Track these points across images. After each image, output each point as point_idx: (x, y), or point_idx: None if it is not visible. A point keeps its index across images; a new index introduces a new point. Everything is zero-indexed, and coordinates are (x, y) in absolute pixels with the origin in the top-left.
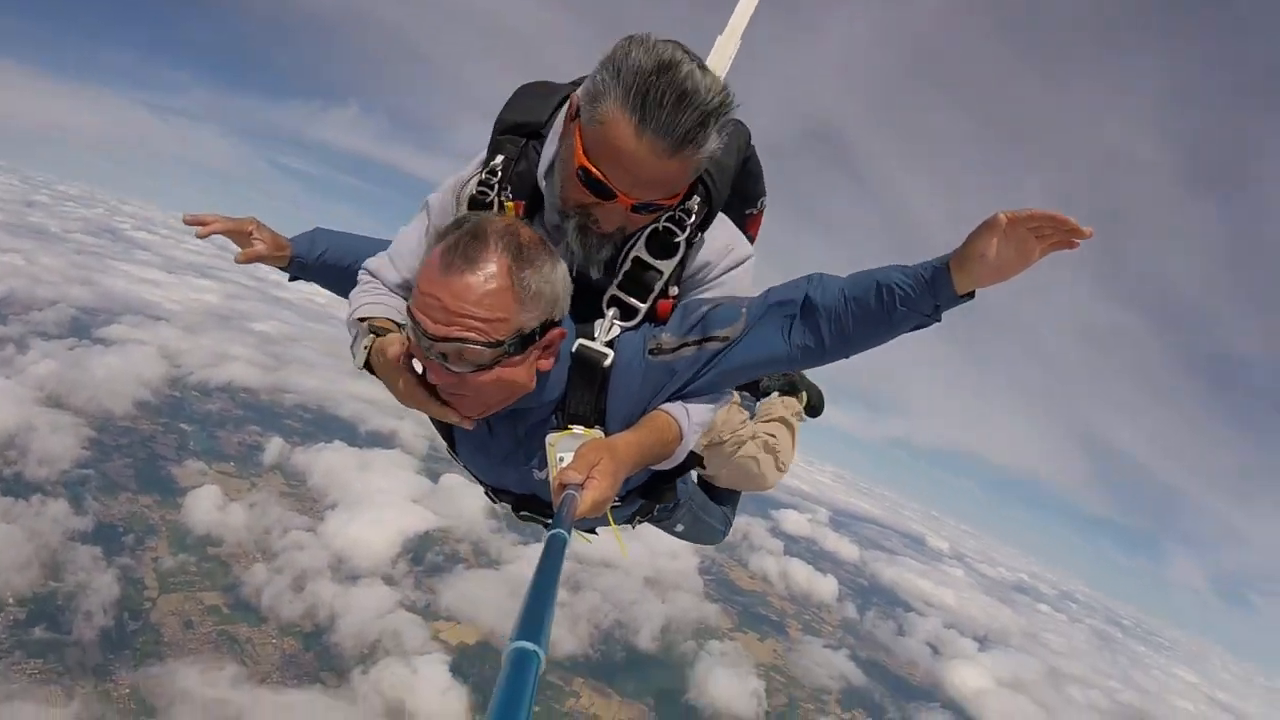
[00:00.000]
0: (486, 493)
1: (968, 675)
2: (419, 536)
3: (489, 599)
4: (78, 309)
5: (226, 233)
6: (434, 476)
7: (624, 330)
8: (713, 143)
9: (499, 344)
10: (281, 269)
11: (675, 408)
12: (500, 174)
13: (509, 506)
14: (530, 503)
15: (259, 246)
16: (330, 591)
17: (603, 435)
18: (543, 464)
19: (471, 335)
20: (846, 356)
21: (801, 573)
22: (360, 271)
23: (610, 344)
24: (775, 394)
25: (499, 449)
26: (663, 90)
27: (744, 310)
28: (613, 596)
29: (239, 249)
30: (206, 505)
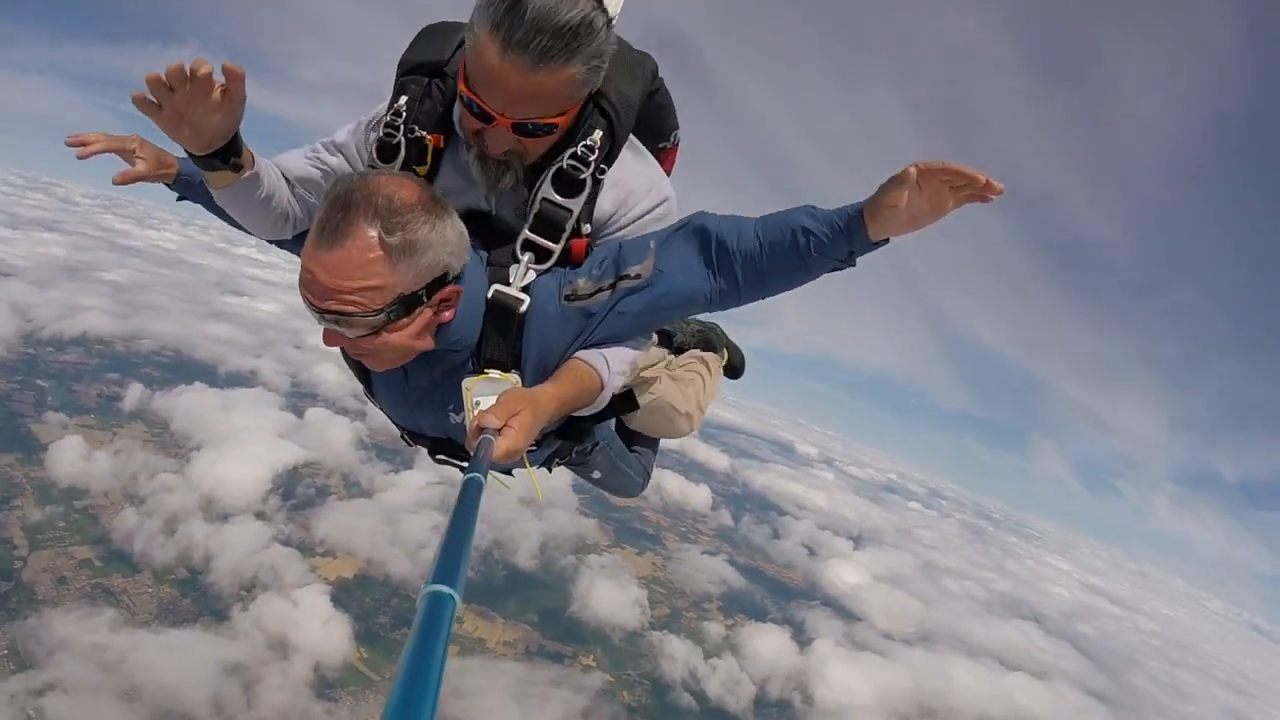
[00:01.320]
0: (402, 435)
1: (845, 573)
2: (288, 471)
3: (363, 528)
4: None
5: (109, 150)
6: (299, 412)
7: (539, 274)
8: (580, 60)
9: (377, 312)
10: (168, 186)
11: (594, 356)
12: (405, 114)
13: (426, 449)
14: (446, 446)
15: (139, 166)
16: (203, 532)
17: (519, 380)
18: (459, 408)
19: (348, 308)
20: (762, 298)
21: (674, 483)
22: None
23: (526, 289)
24: (693, 350)
25: (415, 392)
26: (524, 8)
27: (651, 247)
28: (489, 517)
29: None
30: (70, 456)
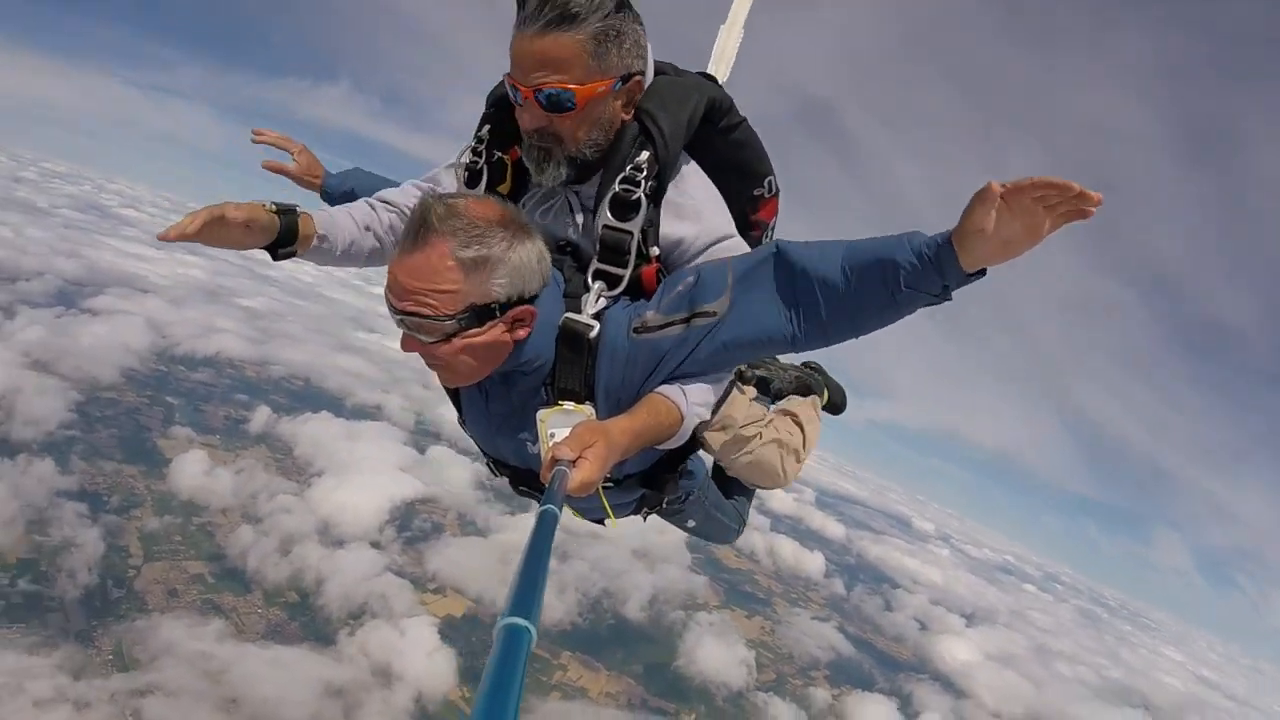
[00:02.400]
0: (488, 464)
1: (956, 649)
2: (406, 504)
3: (476, 566)
4: (65, 280)
5: (276, 144)
6: (421, 448)
7: (610, 302)
8: (587, 28)
9: (449, 317)
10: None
11: (672, 390)
12: (486, 140)
13: (508, 479)
14: (527, 477)
15: (289, 165)
16: (317, 555)
17: (593, 412)
18: (536, 439)
19: (423, 310)
20: (852, 337)
21: (788, 548)
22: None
23: (598, 316)
24: (791, 396)
25: (495, 417)
26: None
27: (729, 280)
28: (601, 566)
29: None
30: (193, 470)
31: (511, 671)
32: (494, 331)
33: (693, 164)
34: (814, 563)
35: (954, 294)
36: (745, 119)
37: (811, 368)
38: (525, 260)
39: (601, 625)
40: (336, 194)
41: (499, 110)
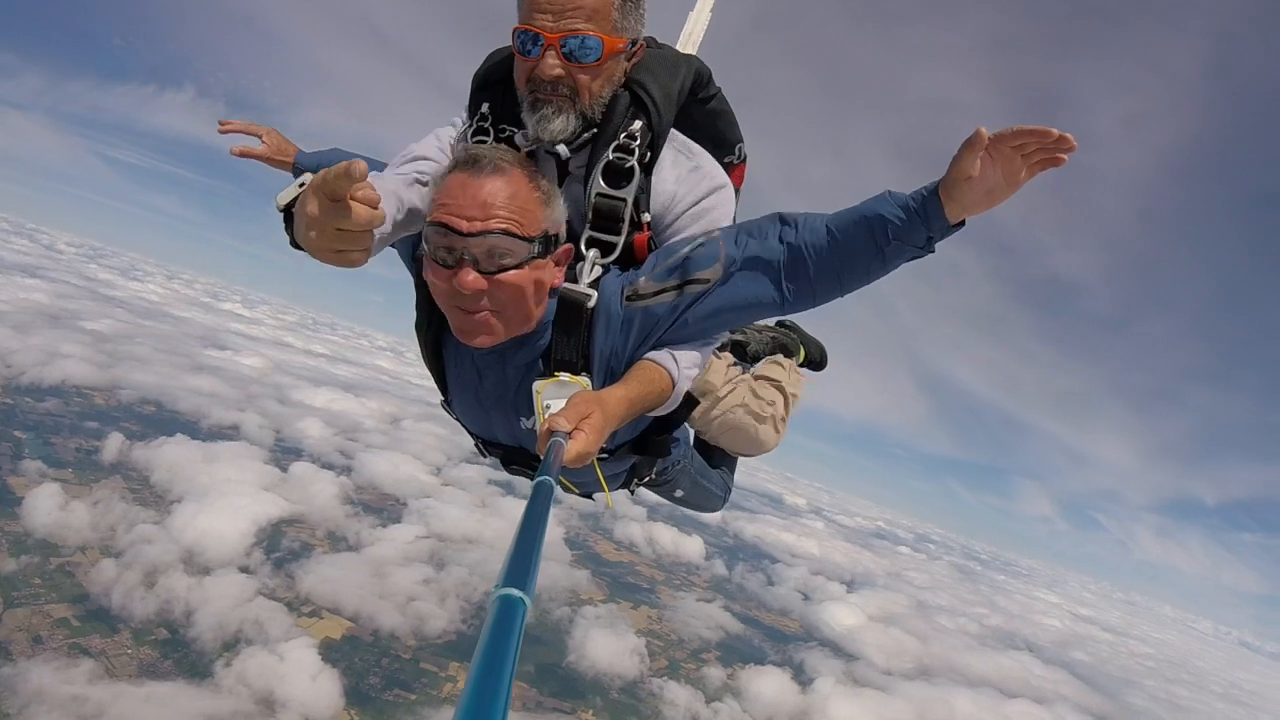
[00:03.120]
0: (476, 445)
1: (840, 615)
2: (272, 524)
3: (351, 581)
4: None
5: (246, 131)
6: (283, 466)
7: (605, 270)
8: None
9: (531, 240)
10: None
11: (663, 355)
12: (491, 117)
13: (500, 459)
14: (518, 455)
15: (257, 147)
16: (184, 585)
17: (589, 383)
18: (529, 412)
19: (509, 228)
20: (840, 295)
21: (666, 535)
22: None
23: (594, 285)
24: (768, 357)
25: (488, 394)
26: None
27: (721, 248)
28: (480, 570)
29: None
30: (47, 506)
31: (506, 642)
32: (550, 267)
33: (676, 136)
34: (693, 546)
35: (936, 246)
36: (720, 89)
37: (787, 326)
38: (562, 209)
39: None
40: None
41: (494, 93)
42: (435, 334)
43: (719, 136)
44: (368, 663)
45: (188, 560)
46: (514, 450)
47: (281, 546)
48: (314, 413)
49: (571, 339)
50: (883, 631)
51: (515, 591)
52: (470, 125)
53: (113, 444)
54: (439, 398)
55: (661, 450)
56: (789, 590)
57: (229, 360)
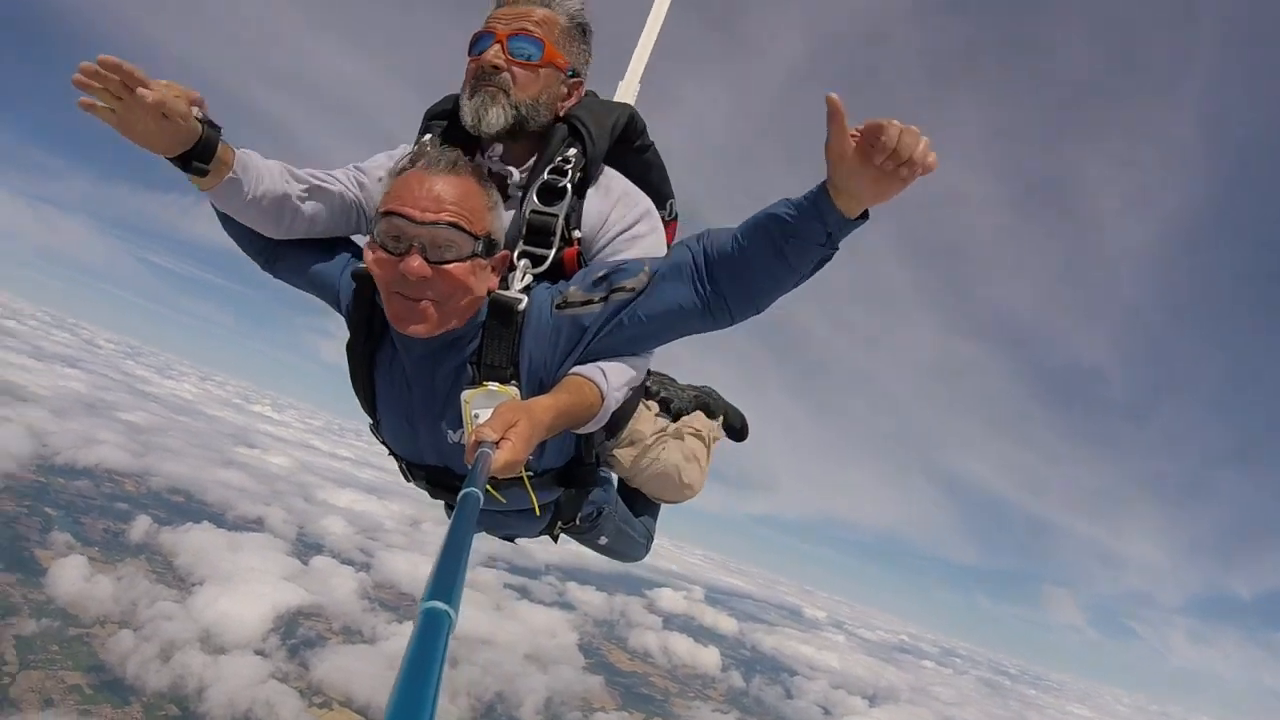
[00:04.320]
0: (402, 469)
1: None
2: (291, 612)
3: (364, 672)
4: None
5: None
6: (304, 559)
7: (536, 280)
8: (563, 10)
9: (478, 238)
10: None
11: (591, 369)
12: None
13: (425, 484)
14: (444, 476)
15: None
16: (199, 662)
17: (518, 393)
18: (457, 425)
19: (458, 221)
20: (756, 305)
21: (683, 645)
22: None
23: (525, 291)
24: (697, 413)
25: (417, 404)
26: None
27: (646, 262)
28: (493, 670)
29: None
30: (72, 576)
31: (430, 655)
32: (490, 269)
33: (611, 169)
34: (710, 658)
35: (840, 244)
36: (654, 143)
37: (707, 391)
38: (504, 215)
39: None
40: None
41: (438, 126)
42: (369, 351)
43: (653, 189)
44: None
45: (205, 639)
46: (440, 471)
47: (298, 634)
48: (337, 511)
49: (501, 343)
50: None
51: (440, 605)
52: (413, 150)
53: (140, 526)
54: (368, 421)
55: (589, 479)
56: (809, 704)
57: (257, 458)
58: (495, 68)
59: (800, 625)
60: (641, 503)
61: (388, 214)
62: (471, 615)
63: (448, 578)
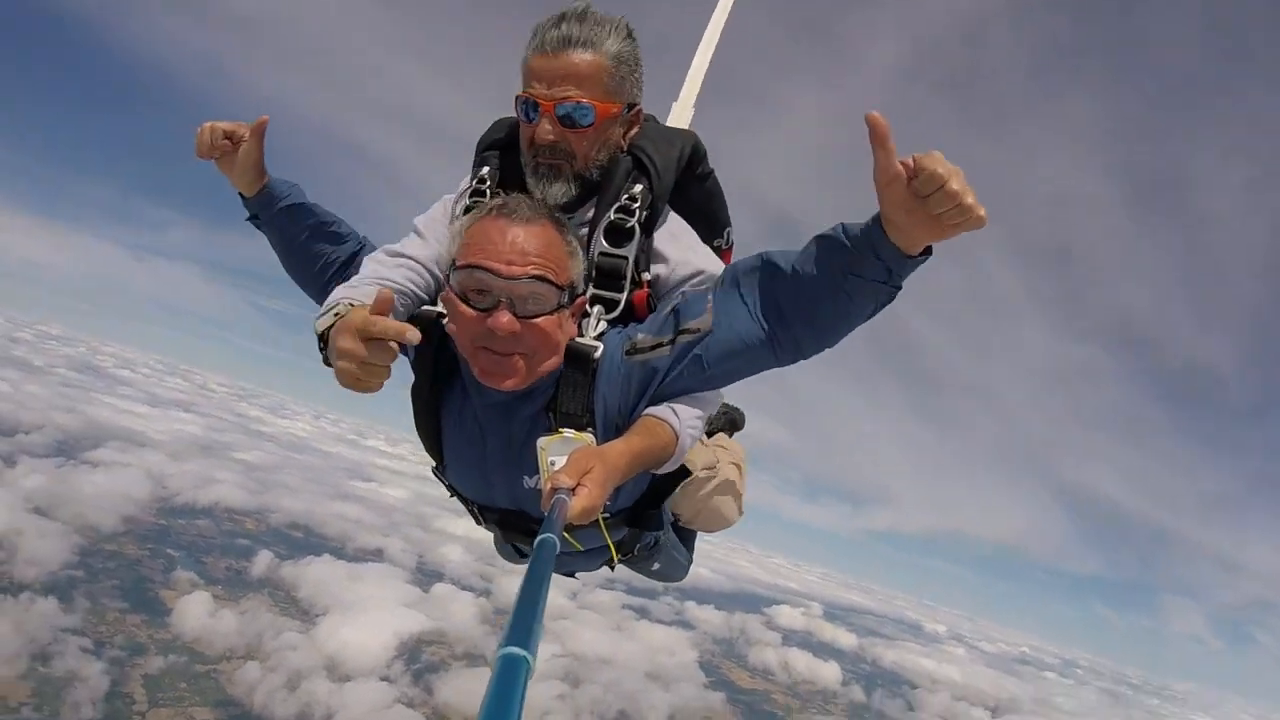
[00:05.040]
0: (473, 513)
1: None
2: (413, 638)
3: None
4: (64, 433)
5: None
6: (424, 586)
7: (609, 325)
8: (608, 49)
9: (563, 289)
10: (245, 197)
11: (664, 410)
12: (489, 183)
13: (496, 526)
14: (517, 519)
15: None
16: (325, 690)
17: (593, 439)
18: (532, 471)
19: (547, 274)
20: (823, 343)
21: (802, 661)
22: (364, 262)
23: (599, 339)
24: (720, 434)
25: (491, 453)
26: (555, 18)
27: (710, 298)
28: (615, 689)
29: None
30: (196, 611)
31: (509, 701)
32: (570, 319)
33: (672, 213)
34: (830, 673)
35: (903, 283)
36: (714, 170)
37: (733, 408)
38: (583, 260)
39: None
40: (280, 199)
41: (499, 153)
42: (436, 397)
43: (712, 216)
44: None
45: (330, 668)
46: (512, 514)
47: (421, 660)
48: (455, 540)
49: (576, 391)
50: None
51: (519, 650)
52: (469, 186)
53: (261, 562)
54: (430, 464)
55: (653, 524)
56: (931, 717)
57: (374, 491)
58: (552, 144)
59: (920, 639)
60: (682, 530)
61: (470, 267)
62: (591, 636)
63: (525, 623)
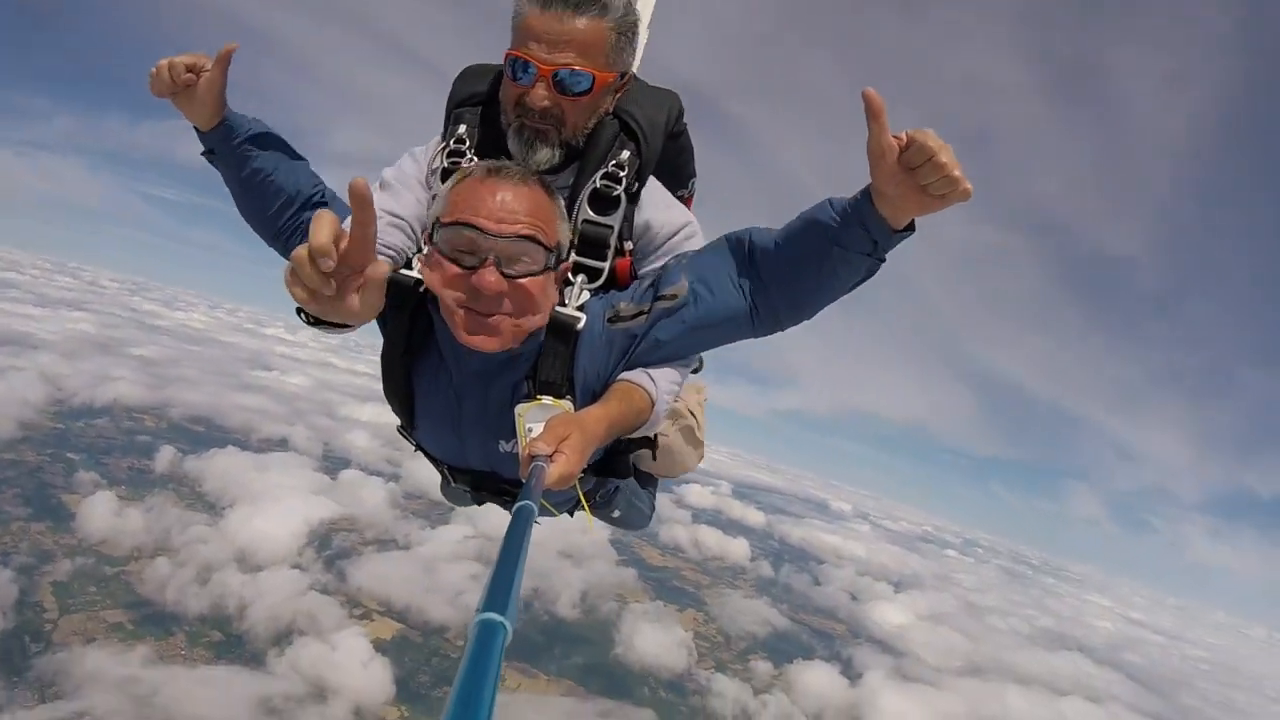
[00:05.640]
0: (442, 472)
1: (889, 614)
2: (324, 525)
3: (400, 577)
4: None
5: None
6: (332, 473)
7: (592, 294)
8: (610, 18)
9: (550, 250)
10: (201, 131)
11: (640, 376)
12: (468, 141)
13: (467, 485)
14: (488, 480)
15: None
16: (238, 581)
17: (572, 407)
18: (509, 436)
19: (534, 234)
20: (802, 314)
21: (712, 538)
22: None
23: (581, 309)
24: None
25: (467, 418)
26: None
27: (687, 267)
28: (529, 567)
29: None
30: (102, 512)
31: (485, 667)
32: (554, 282)
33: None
34: (739, 549)
35: (888, 255)
36: (686, 125)
37: None
38: (568, 225)
39: (536, 625)
40: (240, 133)
41: (472, 114)
42: (408, 361)
43: (679, 170)
44: (417, 661)
45: (241, 559)
46: (485, 475)
47: (333, 546)
48: (361, 426)
49: (557, 360)
50: (932, 630)
51: (496, 616)
52: (445, 145)
53: (164, 458)
54: (397, 423)
55: (623, 471)
56: (836, 590)
57: (276, 380)
58: (544, 109)
59: (826, 518)
60: (645, 475)
61: (460, 224)
62: (502, 517)
63: (503, 589)
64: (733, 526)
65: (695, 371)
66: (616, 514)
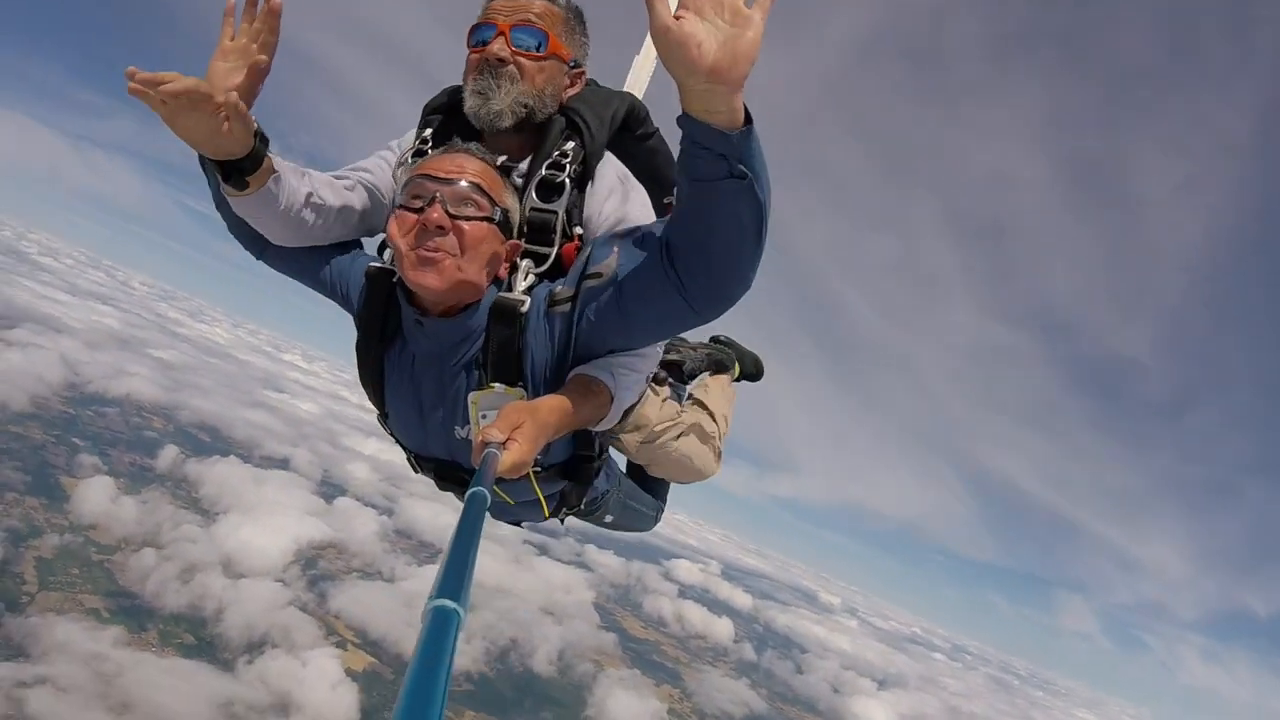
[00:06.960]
0: (410, 461)
1: (871, 709)
2: (313, 546)
3: (380, 607)
4: None
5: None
6: (328, 499)
7: (538, 279)
8: (562, 2)
9: (496, 205)
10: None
11: (598, 369)
12: (431, 144)
13: (433, 475)
14: (451, 470)
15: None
16: (219, 584)
17: (524, 394)
18: (464, 421)
19: (481, 183)
20: (714, 268)
21: (696, 615)
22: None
23: (527, 293)
24: (704, 374)
25: (426, 400)
26: None
27: (616, 244)
28: (509, 617)
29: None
30: (98, 496)
31: (439, 653)
32: (502, 250)
33: (610, 155)
34: (723, 629)
35: (750, 162)
36: (658, 129)
37: (722, 342)
38: (517, 207)
39: (509, 678)
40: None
41: (442, 115)
42: (380, 348)
43: (657, 174)
44: (386, 697)
45: (226, 564)
46: (447, 465)
47: (318, 567)
48: (363, 458)
49: (504, 345)
50: None
51: (449, 603)
52: (413, 146)
53: (167, 456)
54: (375, 413)
55: (591, 474)
56: (818, 680)
57: (286, 402)
58: (500, 60)
59: (814, 608)
60: (653, 479)
61: (413, 178)
62: (490, 566)
63: (456, 576)
64: (719, 606)
65: (723, 369)
66: (609, 519)
